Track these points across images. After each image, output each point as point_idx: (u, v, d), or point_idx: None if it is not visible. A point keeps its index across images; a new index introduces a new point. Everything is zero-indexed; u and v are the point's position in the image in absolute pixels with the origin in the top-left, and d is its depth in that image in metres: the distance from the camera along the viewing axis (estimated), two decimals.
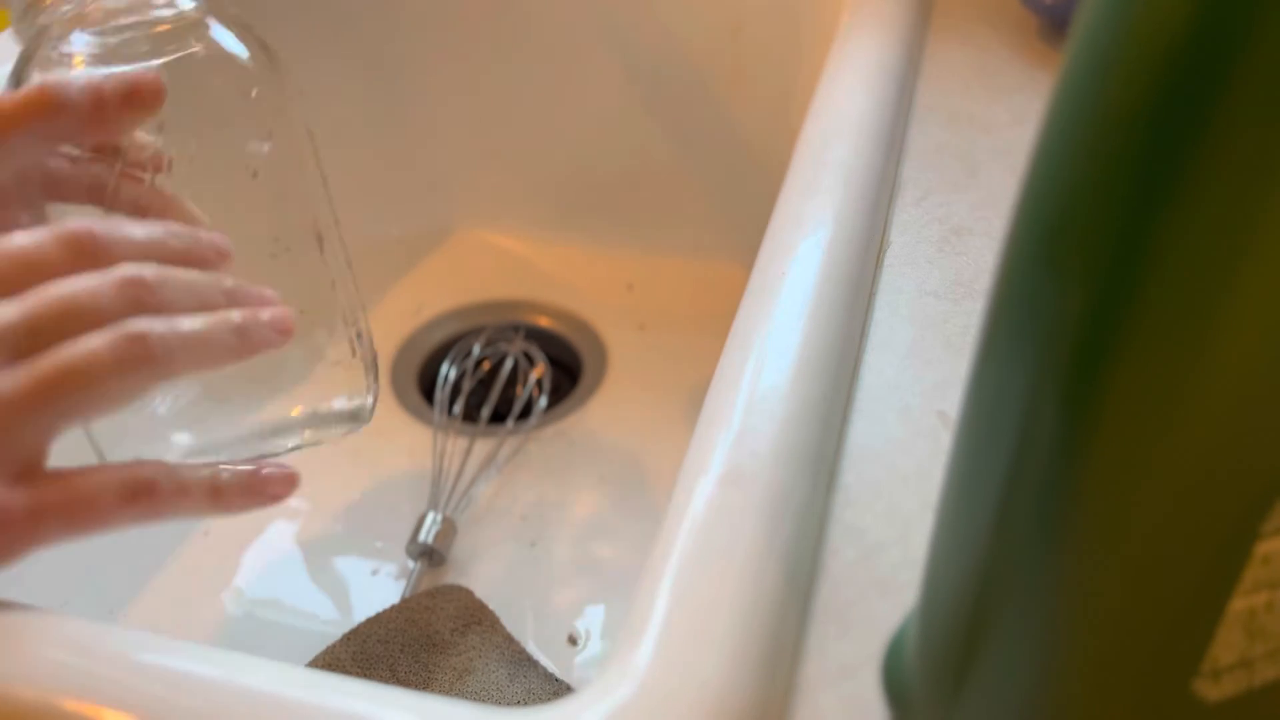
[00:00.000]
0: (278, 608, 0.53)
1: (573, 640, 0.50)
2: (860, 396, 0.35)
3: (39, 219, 0.34)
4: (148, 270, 0.29)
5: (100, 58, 0.34)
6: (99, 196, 0.34)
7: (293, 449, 0.39)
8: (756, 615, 0.27)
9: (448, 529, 0.54)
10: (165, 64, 0.35)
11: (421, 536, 0.53)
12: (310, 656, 0.48)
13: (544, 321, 0.72)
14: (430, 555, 0.53)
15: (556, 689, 0.46)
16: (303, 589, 0.54)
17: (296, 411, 0.39)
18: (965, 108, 0.50)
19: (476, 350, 0.66)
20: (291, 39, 0.68)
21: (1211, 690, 0.21)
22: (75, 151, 0.34)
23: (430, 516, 0.54)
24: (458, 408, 0.64)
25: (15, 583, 0.35)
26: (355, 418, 0.40)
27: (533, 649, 0.49)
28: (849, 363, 0.36)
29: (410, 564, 0.54)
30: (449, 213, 0.78)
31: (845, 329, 0.36)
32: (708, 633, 0.26)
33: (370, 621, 0.48)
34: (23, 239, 0.28)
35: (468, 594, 0.51)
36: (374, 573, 0.54)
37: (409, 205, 0.77)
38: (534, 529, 0.57)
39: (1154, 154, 0.15)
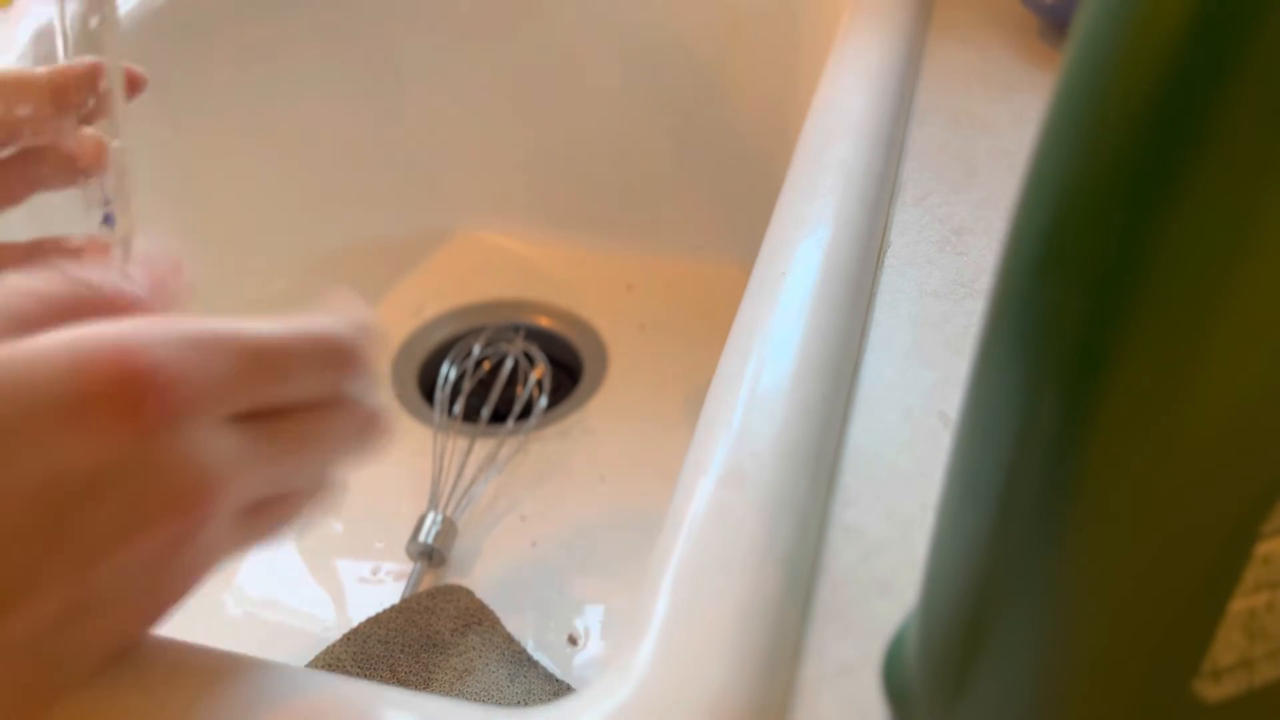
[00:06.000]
0: (278, 608, 0.53)
1: (573, 640, 0.50)
2: (860, 396, 0.35)
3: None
4: None
5: None
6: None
7: None
8: (756, 615, 0.27)
9: (448, 529, 0.54)
10: None
11: (422, 537, 0.53)
12: (310, 656, 0.48)
13: (544, 321, 0.72)
14: (430, 555, 0.53)
15: (556, 689, 0.46)
16: (303, 589, 0.54)
17: None
18: (965, 108, 0.50)
19: (477, 350, 0.66)
20: (292, 38, 0.68)
21: (1212, 690, 0.21)
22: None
23: (430, 517, 0.54)
24: (458, 408, 0.64)
25: None
26: None
27: (533, 649, 0.49)
28: (849, 363, 0.36)
29: (411, 564, 0.54)
30: (449, 213, 0.78)
31: (845, 329, 0.36)
32: (708, 633, 0.26)
33: (370, 622, 0.48)
34: None
35: (468, 594, 0.51)
36: (374, 573, 0.54)
37: (409, 205, 0.77)
38: (534, 529, 0.57)
39: (1152, 154, 0.15)
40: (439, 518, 0.54)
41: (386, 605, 0.49)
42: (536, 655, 0.49)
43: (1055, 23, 0.55)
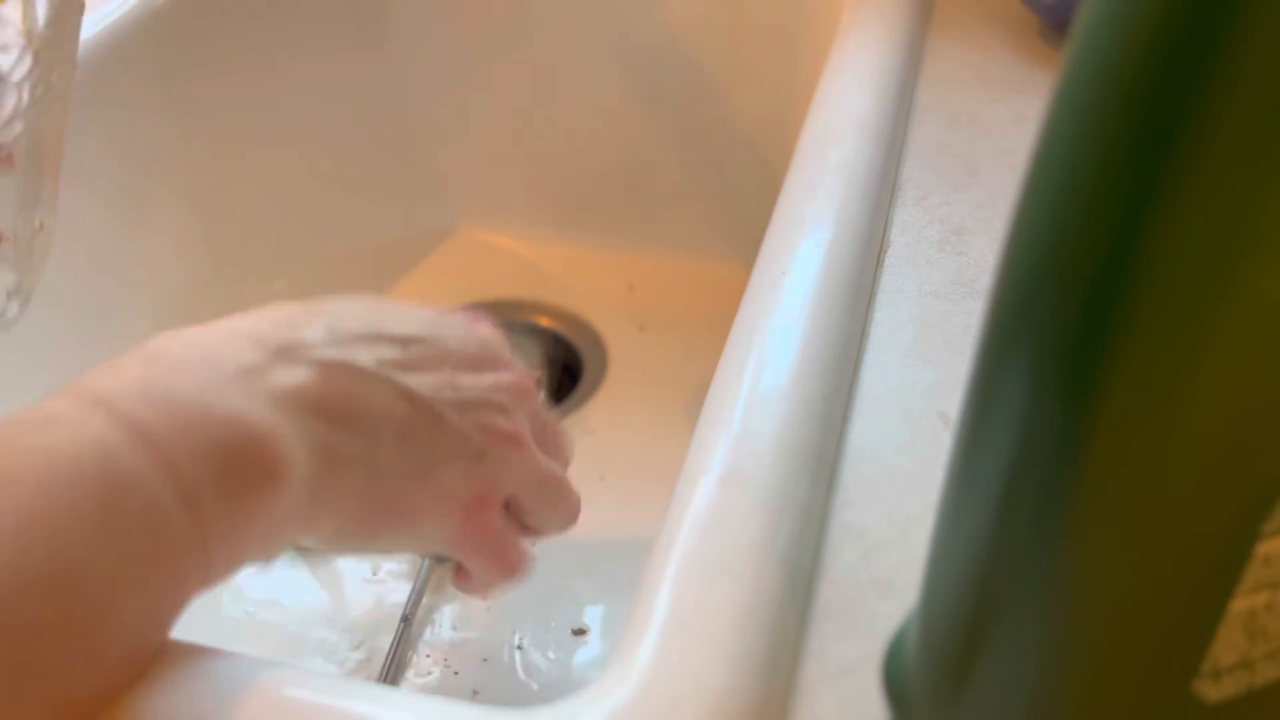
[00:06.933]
0: (278, 608, 0.53)
1: (579, 631, 0.50)
2: (860, 396, 0.35)
3: None
4: None
5: None
6: None
7: None
8: (756, 615, 0.27)
9: None
10: None
11: None
12: (310, 657, 0.47)
13: (544, 321, 0.72)
14: (435, 554, 0.53)
15: None
16: (302, 589, 0.54)
17: None
18: (965, 108, 0.50)
19: None
20: (291, 37, 0.68)
21: (1212, 691, 0.21)
22: None
23: None
24: None
25: None
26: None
27: (532, 648, 0.49)
28: (849, 363, 0.36)
29: (409, 564, 0.54)
30: (449, 213, 0.78)
31: (845, 329, 0.36)
32: (708, 633, 0.26)
33: None
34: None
35: None
36: (374, 573, 0.54)
37: (409, 205, 0.77)
38: None
39: (1151, 154, 0.15)
40: None
41: (387, 604, 0.49)
42: (535, 655, 0.49)
43: (1055, 23, 0.55)
